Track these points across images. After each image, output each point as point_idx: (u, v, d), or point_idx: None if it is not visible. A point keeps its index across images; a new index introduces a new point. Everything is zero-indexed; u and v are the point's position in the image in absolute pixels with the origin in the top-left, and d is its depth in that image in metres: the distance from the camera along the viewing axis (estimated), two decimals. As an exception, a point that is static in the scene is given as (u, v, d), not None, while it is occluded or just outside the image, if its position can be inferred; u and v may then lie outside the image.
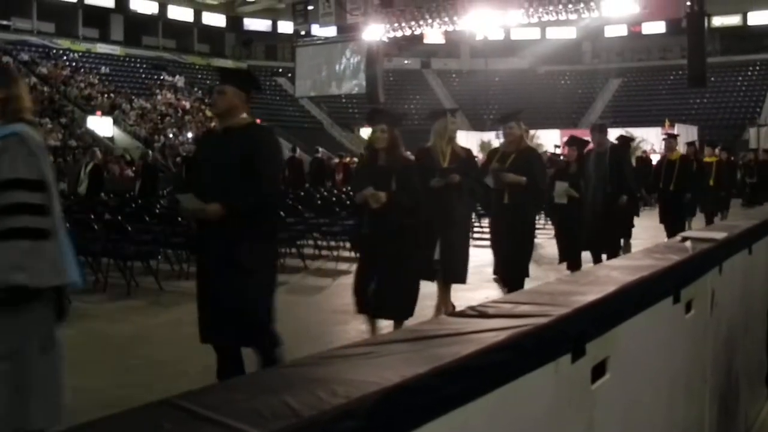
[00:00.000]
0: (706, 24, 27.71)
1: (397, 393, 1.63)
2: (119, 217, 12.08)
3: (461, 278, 8.32)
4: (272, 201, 5.73)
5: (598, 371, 2.53)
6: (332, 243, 14.03)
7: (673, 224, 13.66)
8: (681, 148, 17.08)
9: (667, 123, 35.97)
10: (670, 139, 15.52)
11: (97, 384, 5.36)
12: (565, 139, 12.16)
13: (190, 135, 43.26)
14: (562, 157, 18.22)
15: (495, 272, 9.33)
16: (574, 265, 10.73)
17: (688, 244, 4.14)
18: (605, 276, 3.10)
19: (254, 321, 5.44)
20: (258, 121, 8.21)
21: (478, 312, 2.39)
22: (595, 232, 10.70)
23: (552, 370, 2.22)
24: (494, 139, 42.20)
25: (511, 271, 8.75)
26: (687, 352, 3.65)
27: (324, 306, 9.75)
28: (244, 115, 5.61)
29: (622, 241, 11.97)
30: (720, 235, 4.35)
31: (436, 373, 1.76)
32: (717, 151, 19.35)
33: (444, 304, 8.20)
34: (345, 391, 1.57)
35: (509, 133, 8.67)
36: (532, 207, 8.95)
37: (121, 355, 5.10)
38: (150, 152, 24.90)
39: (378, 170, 6.92)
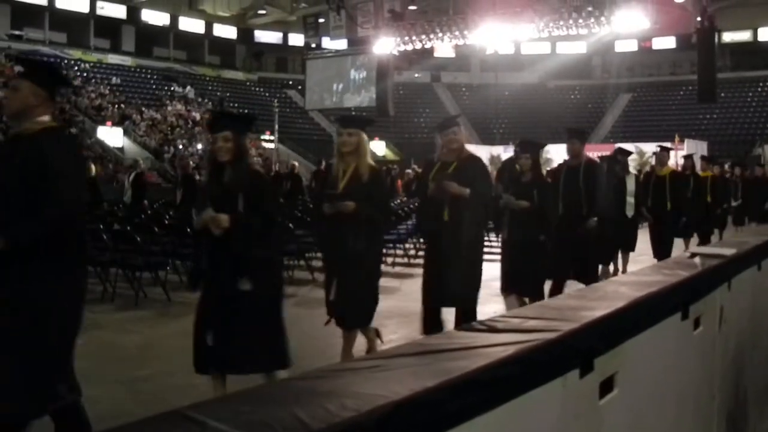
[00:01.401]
0: (716, 40, 27.71)
1: (406, 406, 1.63)
2: (128, 228, 12.11)
3: (358, 321, 7.07)
4: (63, 227, 4.34)
5: (606, 387, 2.52)
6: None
7: (660, 246, 12.63)
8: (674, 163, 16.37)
9: (677, 138, 35.93)
10: (663, 152, 13.99)
11: (106, 394, 5.37)
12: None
13: (200, 146, 43.39)
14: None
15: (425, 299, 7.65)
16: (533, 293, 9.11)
17: (697, 260, 4.14)
18: (614, 291, 3.10)
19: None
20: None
21: (486, 326, 2.39)
22: (560, 258, 9.33)
23: (560, 385, 2.22)
24: (503, 153, 42.30)
25: (455, 300, 7.47)
26: (695, 368, 3.64)
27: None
28: (45, 118, 4.56)
29: (600, 267, 10.69)
30: (729, 252, 4.35)
31: (444, 387, 1.76)
32: (713, 165, 17.31)
33: (347, 352, 6.96)
34: (354, 404, 1.58)
35: (451, 139, 7.58)
36: (477, 224, 7.65)
37: (129, 366, 5.11)
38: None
39: (222, 188, 5.65)
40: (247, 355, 5.45)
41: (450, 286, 7.31)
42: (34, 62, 5.54)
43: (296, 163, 24.81)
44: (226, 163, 5.63)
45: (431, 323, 7.37)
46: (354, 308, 6.91)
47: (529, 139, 10.28)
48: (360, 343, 7.18)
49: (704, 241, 14.69)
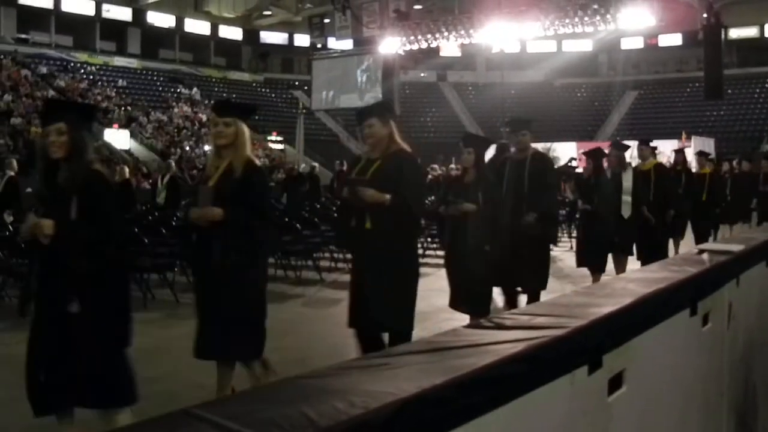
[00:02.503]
0: (722, 36, 27.63)
1: (415, 404, 1.63)
2: (136, 230, 12.13)
3: (242, 355, 5.86)
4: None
5: (615, 384, 2.52)
6: (348, 256, 14.02)
7: (649, 250, 11.19)
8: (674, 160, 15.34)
9: (683, 135, 35.88)
10: (642, 147, 12.66)
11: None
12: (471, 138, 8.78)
13: (207, 147, 43.44)
14: (579, 170, 17.91)
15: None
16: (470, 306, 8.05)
17: (705, 256, 4.13)
18: (622, 288, 3.10)
19: None
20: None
21: (494, 323, 2.39)
22: (511, 266, 8.29)
23: (568, 382, 2.22)
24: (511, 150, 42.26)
25: (380, 323, 6.27)
26: (704, 365, 3.63)
27: (340, 318, 9.69)
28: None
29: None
30: (737, 248, 4.34)
31: (453, 385, 1.76)
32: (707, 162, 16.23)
33: (222, 385, 5.88)
34: (362, 401, 1.58)
35: (368, 134, 6.35)
36: (406, 234, 6.35)
37: (138, 367, 5.10)
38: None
39: (54, 189, 4.88)
40: (81, 388, 4.69)
41: (374, 307, 6.13)
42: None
43: (316, 165, 24.91)
44: (61, 160, 4.84)
45: (366, 347, 6.17)
46: (231, 340, 5.68)
47: (474, 132, 9.78)
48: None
49: (700, 241, 13.35)
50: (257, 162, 6.04)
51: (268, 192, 6.00)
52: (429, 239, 15.97)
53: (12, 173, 15.66)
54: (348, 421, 1.49)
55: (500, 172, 8.83)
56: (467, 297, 7.87)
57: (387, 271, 6.09)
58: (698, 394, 3.52)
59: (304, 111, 42.59)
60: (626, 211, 11.04)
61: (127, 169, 19.79)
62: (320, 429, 1.45)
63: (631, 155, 12.11)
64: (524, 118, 10.39)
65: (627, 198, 11.05)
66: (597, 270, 10.62)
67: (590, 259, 10.69)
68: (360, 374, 1.83)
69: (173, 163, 21.77)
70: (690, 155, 20.20)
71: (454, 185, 8.44)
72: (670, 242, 13.00)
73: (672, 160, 15.71)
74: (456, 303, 8.06)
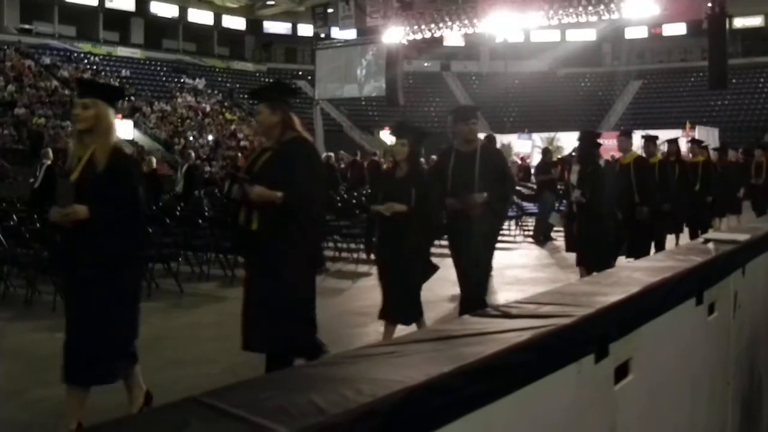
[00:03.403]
0: (727, 25, 27.52)
1: (422, 392, 1.63)
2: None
3: (88, 377, 4.90)
4: None
5: (621, 372, 2.52)
6: (352, 245, 14.04)
7: (638, 247, 10.33)
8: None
9: (687, 125, 35.83)
10: (622, 137, 11.54)
11: (119, 384, 5.37)
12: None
13: (210, 138, 43.48)
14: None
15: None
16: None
17: (710, 245, 4.13)
18: (628, 277, 3.10)
19: None
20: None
21: (501, 312, 2.39)
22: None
23: (575, 370, 2.22)
24: (515, 140, 42.28)
25: (268, 343, 5.44)
26: (709, 354, 3.63)
27: (344, 308, 9.75)
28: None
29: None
30: (743, 237, 4.33)
31: (460, 373, 1.76)
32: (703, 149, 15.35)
33: (73, 414, 4.89)
34: (370, 389, 1.58)
35: (258, 121, 5.75)
36: (296, 237, 5.36)
37: (142, 357, 5.11)
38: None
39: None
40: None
41: (261, 325, 5.36)
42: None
43: (332, 155, 24.93)
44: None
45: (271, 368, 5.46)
46: (82, 347, 4.90)
47: (407, 121, 8.47)
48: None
49: (693, 236, 12.78)
50: (126, 150, 5.25)
51: (139, 184, 5.02)
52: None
53: (49, 162, 15.75)
54: (356, 408, 1.49)
55: (442, 165, 7.70)
56: (400, 305, 6.93)
57: (273, 282, 5.32)
58: (704, 383, 3.52)
59: (318, 102, 42.49)
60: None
61: (154, 160, 19.96)
62: (328, 416, 1.44)
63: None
64: (470, 105, 8.94)
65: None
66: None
67: (590, 261, 9.24)
68: (367, 362, 1.83)
69: (192, 153, 22.35)
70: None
71: (385, 181, 7.43)
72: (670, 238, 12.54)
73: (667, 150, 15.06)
74: (388, 313, 7.05)
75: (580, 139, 10.34)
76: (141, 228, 5.19)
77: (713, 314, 3.56)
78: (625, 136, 11.55)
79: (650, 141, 12.72)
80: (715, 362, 3.70)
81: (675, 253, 3.94)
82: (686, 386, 3.27)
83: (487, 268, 7.70)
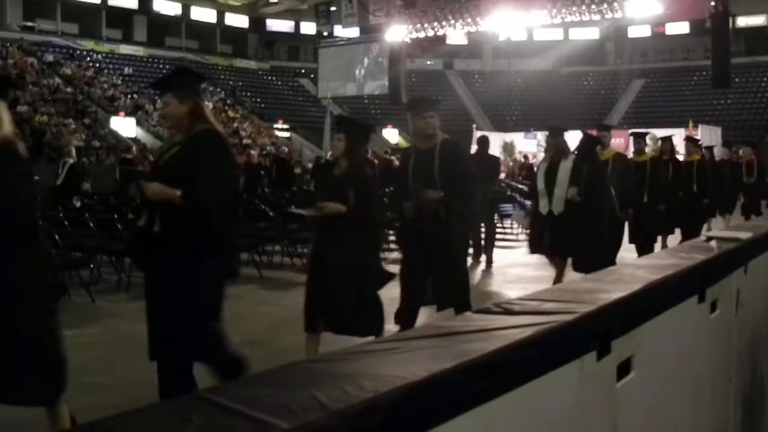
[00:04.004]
0: (730, 24, 27.53)
1: (424, 388, 1.63)
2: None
3: (23, 395, 4.49)
4: None
5: (624, 369, 2.52)
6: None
7: (643, 244, 10.98)
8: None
9: (690, 124, 35.78)
10: (638, 139, 12.06)
11: (123, 382, 5.39)
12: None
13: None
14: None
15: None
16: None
17: (713, 243, 4.13)
18: (630, 274, 3.10)
19: None
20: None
21: (503, 309, 2.39)
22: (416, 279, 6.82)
23: (577, 367, 2.22)
24: (521, 139, 42.23)
25: (173, 352, 4.97)
26: (711, 352, 3.63)
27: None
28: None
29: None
30: (745, 235, 4.33)
31: (462, 369, 1.76)
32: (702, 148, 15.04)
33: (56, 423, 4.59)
34: (372, 385, 1.58)
35: (165, 113, 5.17)
36: (197, 241, 4.77)
37: (144, 355, 5.09)
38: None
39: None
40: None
41: (165, 334, 4.90)
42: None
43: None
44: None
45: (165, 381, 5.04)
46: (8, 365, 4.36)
47: (349, 116, 7.53)
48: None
49: (686, 237, 12.10)
50: (19, 147, 4.51)
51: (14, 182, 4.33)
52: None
53: (71, 160, 15.79)
54: (358, 404, 1.49)
55: (402, 163, 7.18)
56: (353, 315, 6.19)
57: (175, 290, 4.79)
58: (706, 381, 3.52)
59: (330, 101, 42.56)
60: (558, 207, 9.64)
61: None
62: (330, 412, 1.45)
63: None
64: (427, 97, 8.15)
65: (560, 192, 9.59)
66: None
67: (585, 263, 8.72)
68: (369, 358, 1.83)
69: None
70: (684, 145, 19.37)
71: (322, 179, 6.81)
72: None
73: (679, 149, 14.86)
74: (332, 323, 6.30)
75: (582, 139, 10.16)
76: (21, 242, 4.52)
77: (715, 312, 3.56)
78: (605, 131, 11.32)
79: (639, 138, 12.43)
80: (717, 360, 3.70)
81: (677, 251, 3.94)
82: (688, 384, 3.27)
83: (465, 272, 7.21)
